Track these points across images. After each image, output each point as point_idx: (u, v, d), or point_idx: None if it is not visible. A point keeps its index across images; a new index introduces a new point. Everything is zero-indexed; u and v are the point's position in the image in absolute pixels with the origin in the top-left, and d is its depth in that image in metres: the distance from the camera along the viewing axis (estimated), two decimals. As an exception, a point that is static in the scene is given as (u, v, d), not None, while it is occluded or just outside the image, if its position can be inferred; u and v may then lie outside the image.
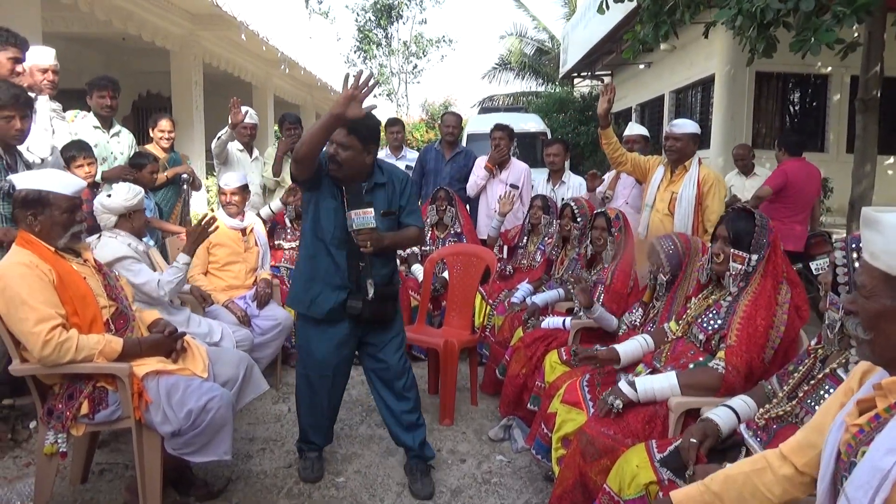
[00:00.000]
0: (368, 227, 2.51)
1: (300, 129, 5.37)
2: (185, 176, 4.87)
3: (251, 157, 5.22)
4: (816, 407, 1.76)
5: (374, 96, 24.60)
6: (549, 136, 10.97)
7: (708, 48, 9.39)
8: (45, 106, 3.52)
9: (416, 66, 26.45)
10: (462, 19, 65.28)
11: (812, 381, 1.82)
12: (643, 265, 3.14)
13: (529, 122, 11.38)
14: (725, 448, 1.92)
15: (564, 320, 3.39)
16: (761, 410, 1.91)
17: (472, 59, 58.70)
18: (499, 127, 5.17)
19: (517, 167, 5.20)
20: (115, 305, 2.50)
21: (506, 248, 4.78)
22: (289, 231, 4.73)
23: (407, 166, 5.59)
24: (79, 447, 2.68)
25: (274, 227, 4.75)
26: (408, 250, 4.69)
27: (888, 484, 1.08)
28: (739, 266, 2.28)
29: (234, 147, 5.13)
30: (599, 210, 3.61)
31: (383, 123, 4.23)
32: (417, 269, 4.64)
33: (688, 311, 2.49)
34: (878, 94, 5.67)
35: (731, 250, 2.30)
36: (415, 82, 28.49)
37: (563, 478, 2.26)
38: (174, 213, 4.85)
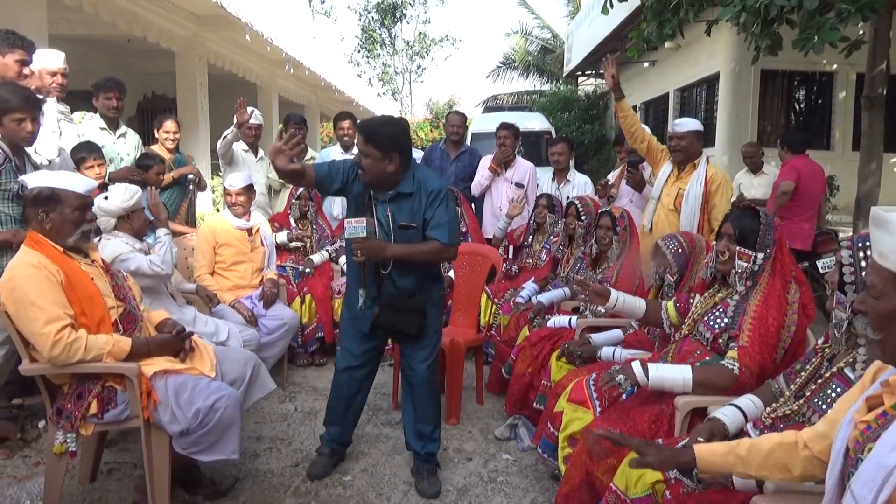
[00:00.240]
0: (359, 236, 2.58)
1: (305, 128, 5.39)
2: (190, 176, 4.89)
3: (256, 157, 5.24)
4: (823, 406, 1.76)
5: (378, 95, 24.67)
6: (554, 135, 10.97)
7: (712, 46, 9.37)
8: (52, 108, 3.55)
9: (419, 66, 26.47)
10: (466, 18, 65.33)
11: (819, 381, 1.82)
12: (647, 262, 3.15)
13: (534, 121, 11.38)
14: (732, 447, 1.92)
15: (570, 319, 3.39)
16: (768, 409, 1.91)
17: (477, 57, 58.76)
18: (504, 126, 5.16)
19: (522, 166, 5.20)
20: (123, 306, 2.51)
21: (511, 247, 4.78)
22: (293, 231, 4.74)
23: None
24: (87, 446, 2.70)
25: (280, 228, 4.76)
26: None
27: (892, 481, 1.08)
28: (745, 264, 2.28)
29: (240, 147, 5.15)
30: (604, 209, 3.61)
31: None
32: None
33: (693, 310, 2.49)
34: (884, 92, 5.65)
35: (737, 248, 2.30)
36: (419, 81, 28.49)
37: (569, 476, 2.27)
38: (180, 213, 4.87)
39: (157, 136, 4.85)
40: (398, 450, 3.13)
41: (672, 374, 2.22)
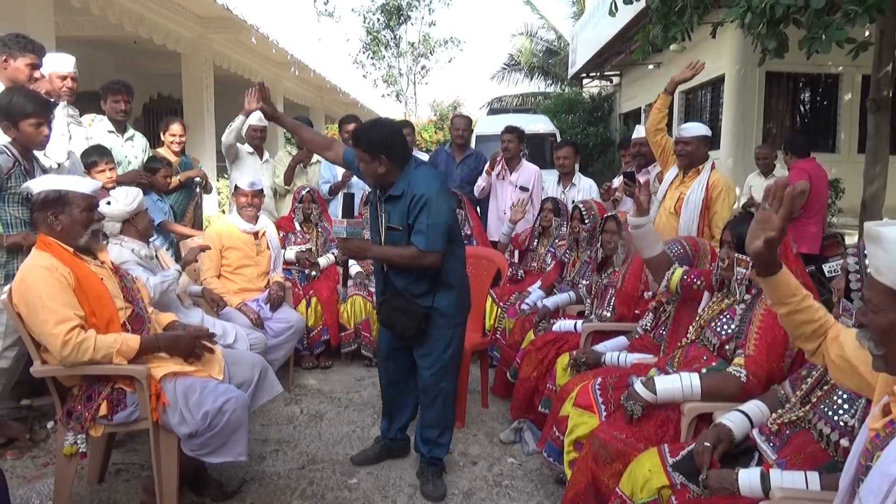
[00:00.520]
0: (339, 236, 2.73)
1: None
2: (197, 179, 4.92)
3: (261, 159, 5.27)
4: (829, 412, 1.76)
5: (383, 97, 24.75)
6: (558, 137, 10.97)
7: (718, 48, 9.36)
8: (62, 112, 3.57)
9: (424, 67, 26.50)
10: (471, 19, 65.34)
11: (825, 387, 1.82)
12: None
13: (538, 124, 11.38)
14: (738, 453, 1.93)
15: (576, 323, 3.39)
16: (774, 415, 1.92)
17: (481, 59, 58.77)
18: (509, 129, 5.18)
19: (527, 169, 5.21)
20: (132, 307, 2.53)
21: (516, 251, 4.79)
22: (298, 234, 4.76)
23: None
24: (96, 447, 2.71)
25: (286, 234, 4.78)
26: None
27: None
28: (744, 270, 2.29)
29: (245, 150, 5.18)
30: (610, 213, 3.62)
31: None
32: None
33: (700, 315, 2.50)
34: (890, 94, 5.64)
35: (735, 255, 2.31)
36: (423, 83, 28.50)
37: (575, 481, 2.28)
38: (186, 216, 4.89)
39: (163, 138, 4.87)
40: (404, 452, 3.14)
41: (679, 384, 2.22)
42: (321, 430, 3.43)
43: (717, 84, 10.26)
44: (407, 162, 2.69)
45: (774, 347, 2.17)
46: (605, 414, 2.42)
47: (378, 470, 3.00)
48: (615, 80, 16.04)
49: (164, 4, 7.52)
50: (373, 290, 4.04)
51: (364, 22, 25.38)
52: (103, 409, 2.33)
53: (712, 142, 4.09)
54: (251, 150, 5.20)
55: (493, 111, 16.08)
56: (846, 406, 1.74)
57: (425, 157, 5.91)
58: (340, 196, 5.31)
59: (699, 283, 2.62)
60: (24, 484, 2.75)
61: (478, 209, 5.30)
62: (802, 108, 10.27)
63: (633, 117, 13.79)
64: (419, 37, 25.60)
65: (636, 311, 3.28)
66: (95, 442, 2.62)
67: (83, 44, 8.58)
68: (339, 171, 5.21)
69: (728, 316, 2.34)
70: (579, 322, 3.40)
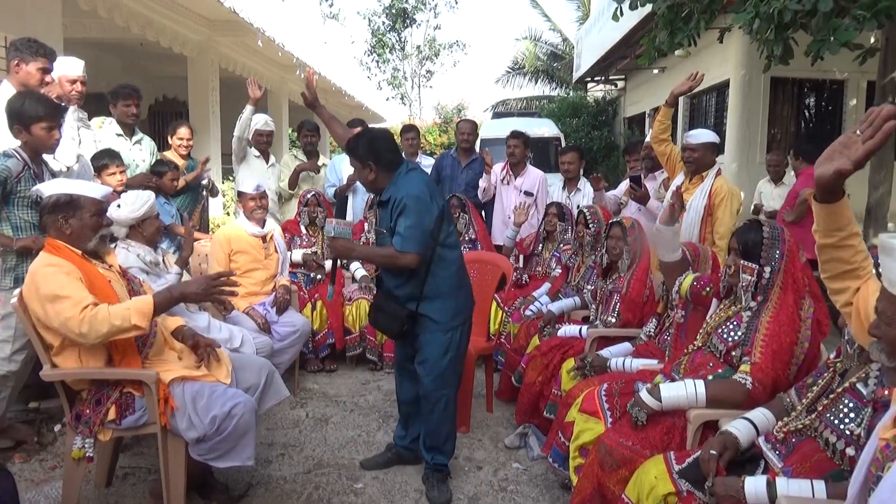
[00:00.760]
0: (328, 235, 2.83)
1: (318, 136, 5.52)
2: (204, 182, 4.95)
3: (267, 163, 5.30)
4: (836, 421, 1.77)
5: (387, 99, 24.80)
6: (563, 141, 10.97)
7: (723, 53, 9.36)
8: (71, 115, 3.60)
9: (429, 71, 26.54)
10: (476, 23, 65.40)
11: (831, 395, 1.82)
12: (657, 272, 3.16)
13: (543, 128, 11.40)
14: (744, 460, 1.93)
15: (581, 329, 3.40)
16: (780, 423, 1.92)
17: (486, 62, 58.79)
18: (514, 134, 5.20)
19: (532, 174, 5.22)
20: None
21: (521, 256, 4.80)
22: (304, 237, 4.77)
23: (422, 172, 5.64)
24: (104, 451, 2.73)
25: (292, 237, 4.80)
26: None
27: None
28: (749, 277, 2.29)
29: (252, 153, 5.23)
30: (615, 219, 3.62)
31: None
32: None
33: (707, 321, 2.50)
34: (895, 101, 5.63)
35: (741, 261, 2.32)
36: (428, 86, 28.51)
37: (580, 487, 2.29)
38: (193, 220, 4.92)
39: (170, 142, 4.91)
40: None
41: (685, 391, 2.22)
42: (327, 433, 3.44)
43: (722, 89, 10.25)
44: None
45: (780, 355, 2.18)
46: (610, 420, 2.43)
47: (384, 475, 3.01)
48: (620, 84, 16.02)
49: (172, 7, 7.56)
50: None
51: (369, 25, 25.45)
52: (112, 414, 2.35)
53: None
54: (257, 153, 5.25)
55: (497, 115, 16.06)
56: (852, 415, 1.74)
57: (430, 160, 5.93)
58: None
59: (708, 289, 2.63)
60: (32, 487, 2.77)
61: (483, 213, 5.31)
62: (807, 114, 10.25)
63: (638, 122, 13.78)
64: (425, 40, 25.65)
65: (641, 317, 3.29)
66: (103, 445, 2.64)
67: (90, 46, 8.62)
68: (344, 175, 5.24)
69: (734, 323, 2.34)
70: (584, 327, 3.41)
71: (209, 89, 9.03)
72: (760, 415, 2.00)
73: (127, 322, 2.23)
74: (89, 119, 4.11)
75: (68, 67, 3.63)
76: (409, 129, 6.00)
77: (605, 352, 3.02)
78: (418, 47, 25.88)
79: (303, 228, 4.79)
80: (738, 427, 1.96)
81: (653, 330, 3.11)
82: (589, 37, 14.34)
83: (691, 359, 2.43)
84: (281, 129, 11.60)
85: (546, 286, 4.21)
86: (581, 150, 5.30)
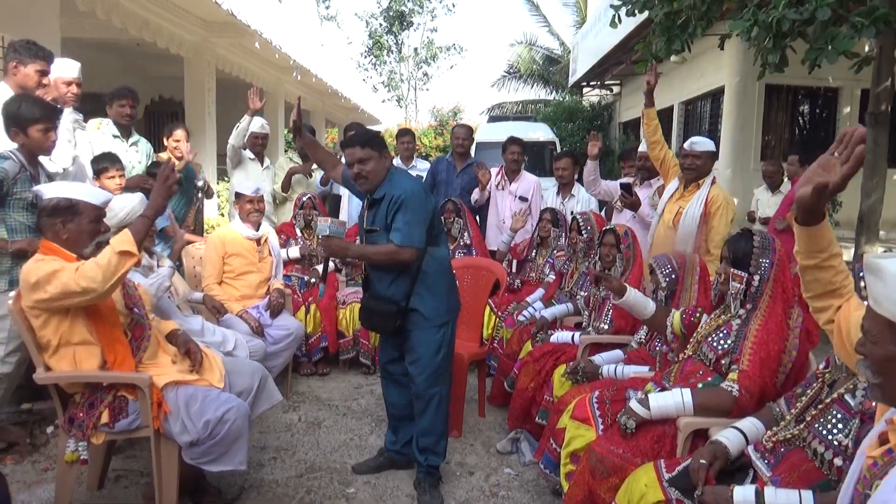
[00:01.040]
0: (322, 234, 2.87)
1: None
2: (199, 184, 4.94)
3: (262, 166, 5.31)
4: (824, 431, 1.79)
5: (383, 101, 24.83)
6: (559, 146, 11.00)
7: (718, 60, 9.41)
8: (67, 117, 3.60)
9: (425, 73, 26.57)
10: (472, 26, 65.43)
11: (820, 406, 1.84)
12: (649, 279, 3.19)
13: (538, 132, 11.42)
14: (733, 469, 1.95)
15: (573, 335, 3.42)
16: (769, 433, 1.94)
17: (482, 66, 58.87)
18: (513, 141, 5.23)
19: (527, 180, 5.24)
20: (131, 315, 2.55)
21: (514, 261, 4.81)
22: (300, 240, 4.78)
23: (417, 176, 5.65)
24: (96, 453, 2.72)
25: (287, 240, 4.81)
26: None
27: None
28: (738, 285, 2.34)
29: (247, 156, 5.24)
30: (608, 227, 3.64)
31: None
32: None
33: (698, 330, 2.53)
34: (889, 108, 5.68)
35: (731, 270, 2.35)
36: (424, 89, 28.52)
37: (571, 494, 2.30)
38: (187, 222, 4.91)
39: (166, 143, 4.90)
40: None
41: (672, 399, 2.26)
42: (319, 437, 3.45)
43: (716, 95, 10.31)
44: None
45: (768, 363, 2.21)
46: (601, 428, 2.44)
47: (376, 479, 3.02)
48: (615, 89, 16.09)
49: (169, 8, 7.56)
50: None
51: (366, 27, 25.48)
52: (105, 417, 2.35)
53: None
54: (252, 156, 5.26)
55: (493, 119, 16.10)
56: (840, 426, 1.76)
57: (426, 164, 5.95)
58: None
59: (698, 314, 2.65)
60: (25, 489, 2.77)
61: (477, 218, 5.33)
62: (802, 121, 10.32)
63: (633, 127, 13.82)
64: (422, 43, 25.68)
65: (633, 324, 3.31)
66: (95, 448, 2.64)
67: (87, 46, 8.61)
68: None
69: (724, 331, 2.37)
70: (577, 334, 3.42)
71: (205, 90, 9.04)
72: (750, 424, 2.02)
73: (114, 256, 2.21)
74: (86, 119, 4.10)
75: (64, 69, 3.63)
76: (404, 133, 6.03)
77: (596, 358, 3.04)
78: (415, 50, 25.92)
79: (298, 231, 4.80)
80: (727, 436, 1.98)
81: (644, 337, 3.13)
82: (585, 41, 14.39)
83: (681, 367, 2.45)
84: (277, 130, 11.60)
85: (540, 292, 4.23)
86: (576, 156, 5.32)
